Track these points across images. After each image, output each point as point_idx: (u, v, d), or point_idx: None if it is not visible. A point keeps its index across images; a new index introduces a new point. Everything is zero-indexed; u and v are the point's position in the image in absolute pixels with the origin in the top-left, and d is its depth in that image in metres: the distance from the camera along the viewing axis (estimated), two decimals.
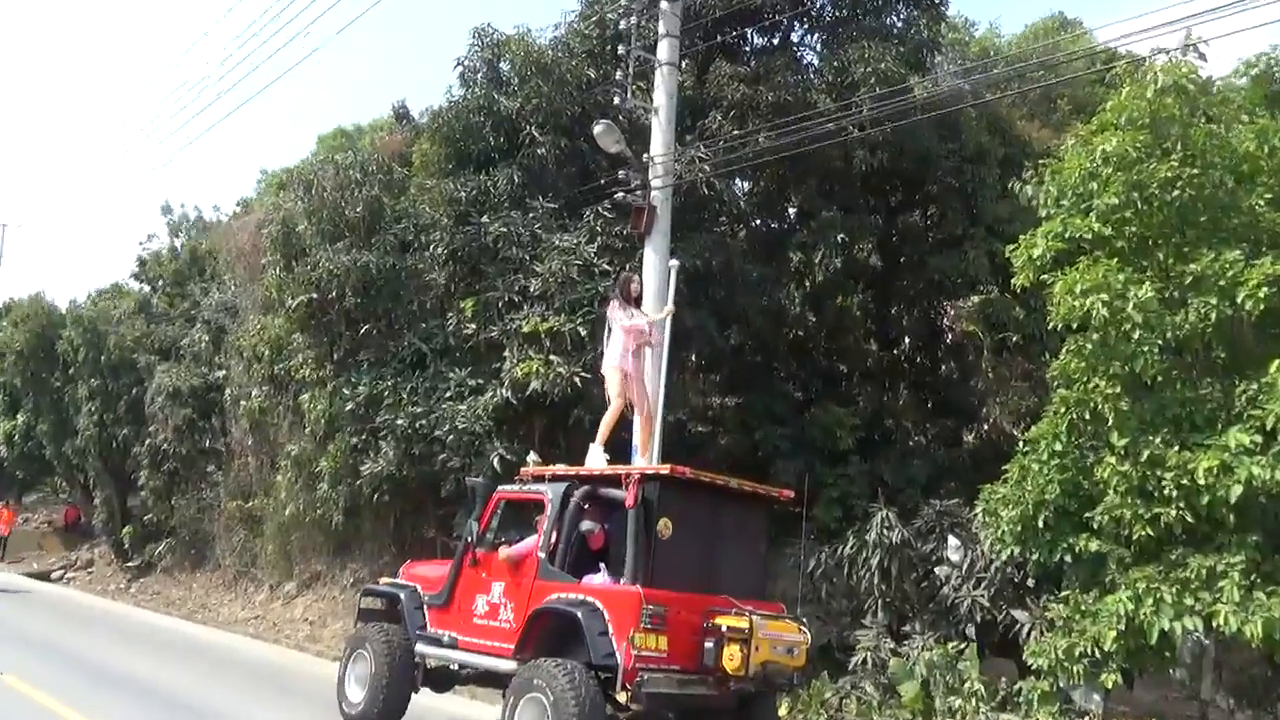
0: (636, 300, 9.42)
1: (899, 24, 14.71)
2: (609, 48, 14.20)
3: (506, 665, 7.56)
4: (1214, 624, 8.19)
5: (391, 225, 14.66)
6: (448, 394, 13.28)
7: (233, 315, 19.93)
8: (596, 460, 8.58)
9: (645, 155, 11.85)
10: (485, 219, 13.82)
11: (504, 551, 8.13)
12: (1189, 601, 8.25)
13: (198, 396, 20.18)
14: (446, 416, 13.00)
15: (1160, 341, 8.81)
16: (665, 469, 7.56)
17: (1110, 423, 8.95)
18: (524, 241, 13.52)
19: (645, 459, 9.28)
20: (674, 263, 10.39)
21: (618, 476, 7.75)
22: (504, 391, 12.80)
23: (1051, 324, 9.54)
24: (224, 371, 19.61)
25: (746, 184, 16.76)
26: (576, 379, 12.28)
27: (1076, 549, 9.14)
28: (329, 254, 14.10)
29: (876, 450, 14.98)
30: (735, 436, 15.34)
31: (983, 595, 10.89)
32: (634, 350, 9.05)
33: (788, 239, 16.19)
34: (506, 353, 13.05)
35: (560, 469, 8.58)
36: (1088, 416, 9.19)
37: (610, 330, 9.22)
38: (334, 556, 17.38)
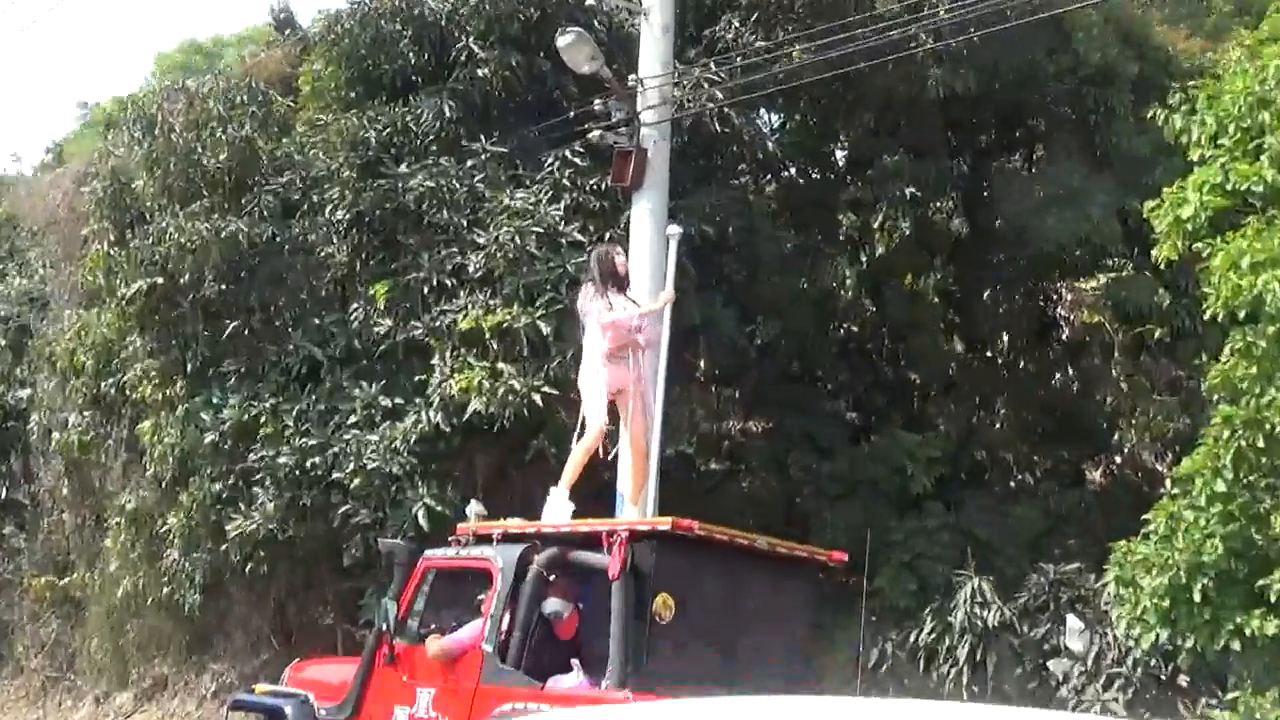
0: (621, 283, 9.46)
1: None
2: None
3: None
4: None
5: (270, 179, 14.72)
6: (351, 419, 13.36)
7: (40, 310, 19.75)
8: (561, 512, 8.60)
9: (632, 78, 11.95)
10: (404, 169, 13.92)
11: (434, 644, 8.17)
12: None
13: None
14: (350, 452, 13.10)
15: None
16: (665, 523, 7.62)
17: None
18: (460, 201, 13.59)
19: (636, 509, 9.32)
20: (674, 229, 10.49)
21: (597, 535, 7.80)
22: (432, 415, 12.88)
23: (1209, 312, 9.64)
24: (27, 391, 19.42)
25: (776, 118, 16.94)
26: (536, 396, 12.36)
27: (1248, 632, 9.25)
28: (179, 221, 14.14)
29: (964, 494, 14.98)
30: (764, 476, 15.63)
31: (1116, 699, 11.03)
32: (617, 354, 9.10)
33: (835, 195, 16.37)
34: (436, 359, 13.12)
35: (514, 525, 8.62)
36: (1261, 443, 9.27)
37: (584, 326, 9.26)
38: (188, 654, 17.37)
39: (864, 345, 17.11)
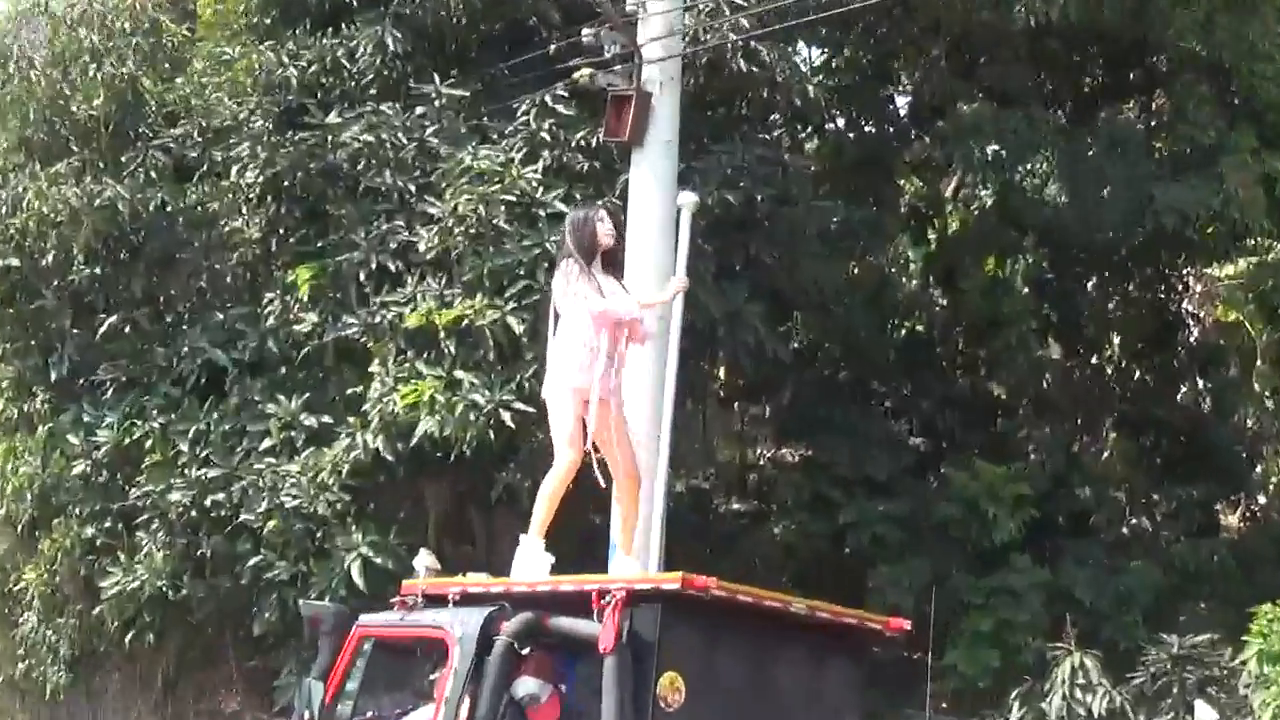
0: (612, 260, 9.33)
1: None
2: None
3: None
4: None
5: (159, 131, 14.73)
6: (265, 443, 13.41)
7: None
8: (536, 566, 8.45)
9: (632, 1, 11.88)
10: (334, 118, 13.92)
11: None
12: None
13: None
14: (263, 486, 13.13)
15: None
16: (672, 580, 7.47)
17: None
18: (407, 160, 13.63)
19: (634, 560, 9.24)
20: (687, 198, 10.28)
21: (585, 595, 7.71)
22: (370, 438, 12.87)
23: None
24: None
25: (818, 54, 16.87)
26: (505, 414, 12.34)
27: None
28: (41, 184, 14.07)
29: (1061, 543, 15.17)
30: (802, 519, 15.55)
31: None
32: (607, 357, 8.99)
33: (895, 154, 16.28)
34: (375, 366, 13.13)
35: (476, 582, 8.53)
36: None
37: (556, 317, 9.10)
38: None
39: (932, 349, 17.10)
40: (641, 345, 9.22)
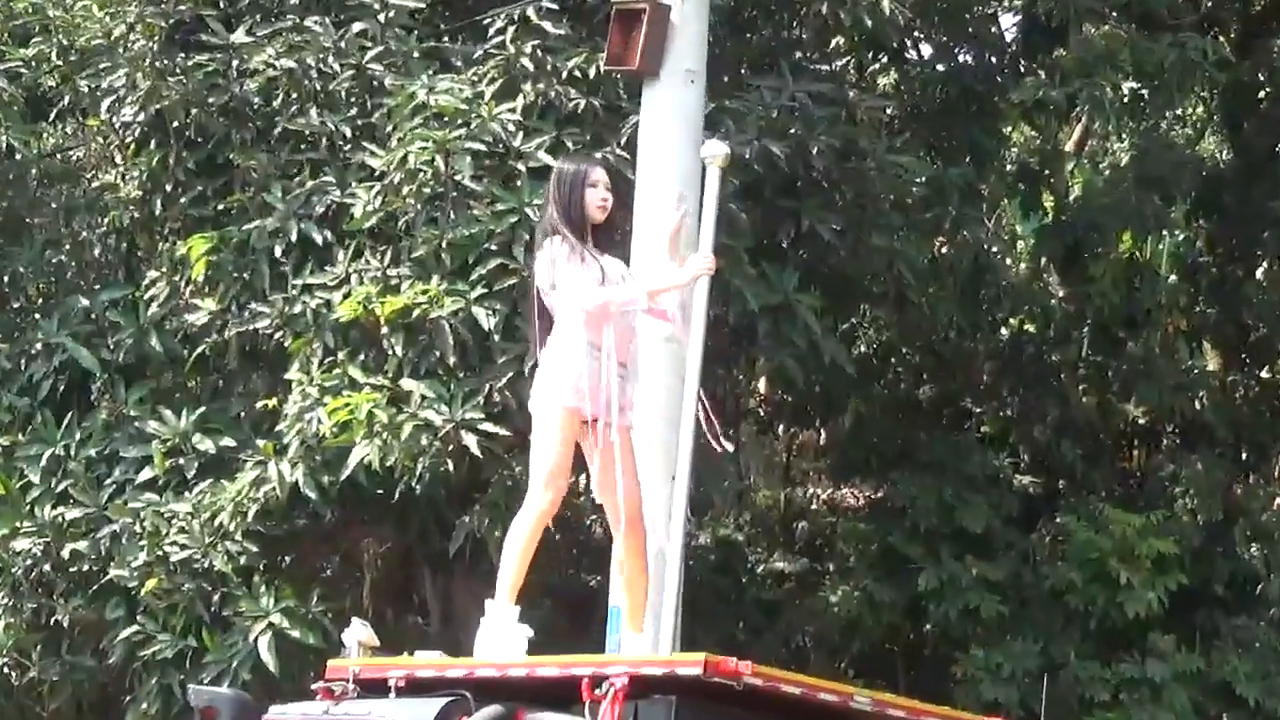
0: (608, 236, 9.31)
1: None
2: None
3: None
4: None
5: (7, 53, 14.73)
6: (144, 474, 13.46)
7: None
8: (508, 641, 8.43)
9: None
10: (241, 36, 13.98)
11: None
12: None
13: None
14: (141, 531, 13.15)
15: None
16: (693, 662, 7.48)
17: None
18: (339, 94, 13.72)
19: (642, 637, 9.26)
20: (715, 149, 10.01)
21: (573, 681, 7.77)
22: (285, 469, 12.93)
23: None
24: None
25: None
26: (470, 437, 12.42)
27: None
28: None
29: (1217, 620, 15.14)
30: (867, 582, 15.51)
31: None
32: (620, 365, 8.99)
33: (999, 90, 16.23)
34: (295, 372, 13.20)
35: (427, 663, 8.59)
36: None
37: (541, 313, 9.01)
38: None
39: (1046, 356, 17.06)
40: (671, 323, 9.22)
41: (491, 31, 13.47)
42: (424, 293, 12.60)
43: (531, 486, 8.75)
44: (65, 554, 13.27)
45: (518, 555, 8.77)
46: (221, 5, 14.27)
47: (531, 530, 8.76)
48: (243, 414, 13.69)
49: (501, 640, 8.56)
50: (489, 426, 12.29)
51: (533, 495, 8.75)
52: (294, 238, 13.35)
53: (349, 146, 13.53)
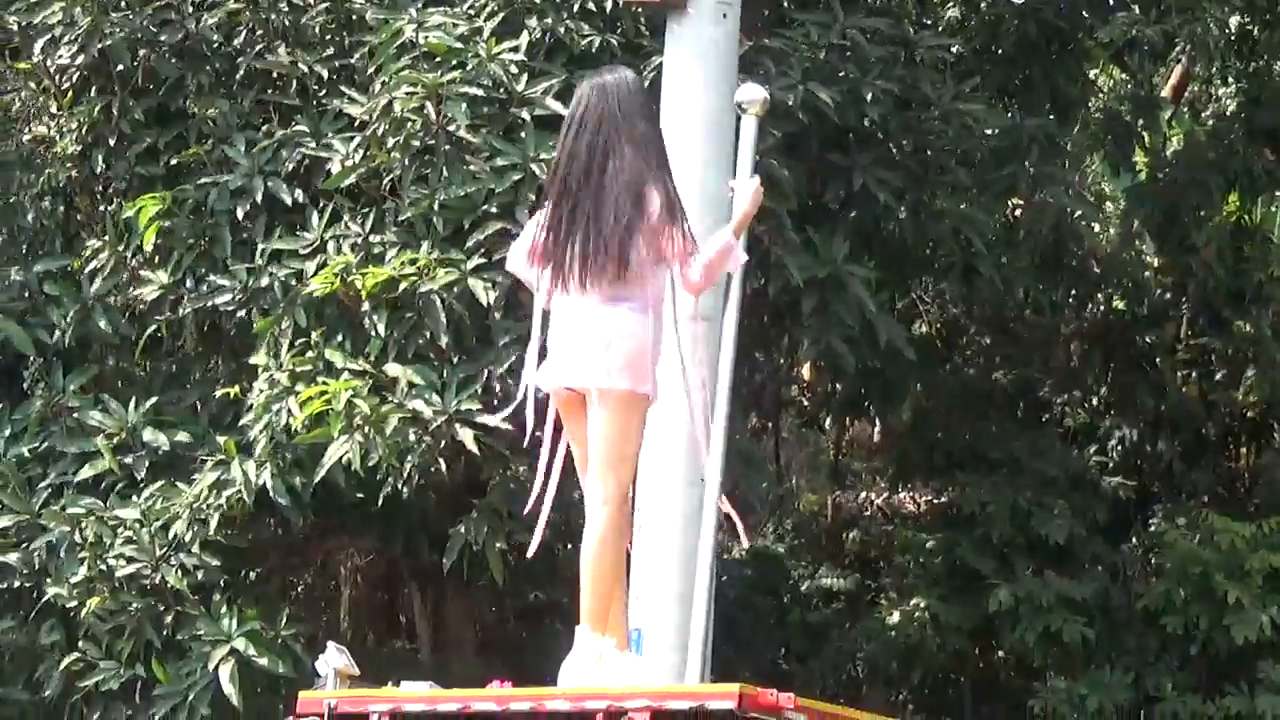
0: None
1: None
2: None
3: None
4: None
5: None
6: (85, 472, 13.43)
7: None
8: (586, 659, 8.35)
9: None
10: None
11: None
12: None
13: None
14: (81, 540, 13.10)
15: None
16: (728, 694, 7.37)
17: None
18: (312, 30, 13.65)
19: (603, 640, 9.14)
20: (752, 93, 9.98)
21: (587, 717, 7.73)
22: (250, 469, 12.79)
23: None
24: None
25: None
26: (465, 433, 12.25)
27: None
28: None
29: None
30: (932, 601, 15.53)
31: None
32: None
33: (1085, 30, 16.07)
34: (261, 355, 12.99)
35: (415, 695, 8.50)
36: None
37: (622, 265, 8.90)
38: None
39: (1140, 338, 16.91)
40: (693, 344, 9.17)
41: None
42: (412, 262, 12.43)
43: (618, 482, 8.65)
44: None
45: (607, 568, 8.71)
46: None
47: (616, 543, 8.70)
48: (200, 405, 13.43)
49: (596, 662, 8.49)
50: (488, 419, 11.83)
51: (611, 499, 8.67)
52: (259, 198, 13.19)
53: (324, 91, 13.29)
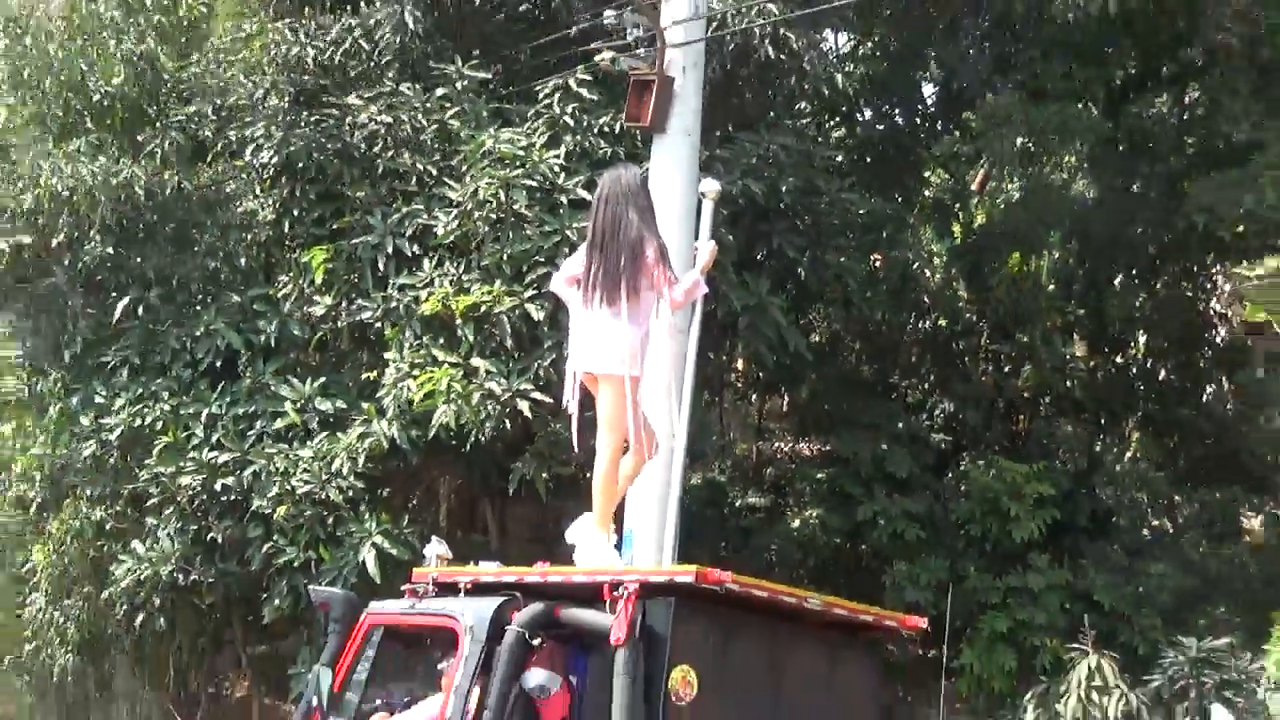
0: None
1: None
2: None
3: None
4: None
5: (176, 110, 14.83)
6: (277, 427, 13.50)
7: None
8: (593, 547, 8.48)
9: None
10: (352, 99, 14.09)
11: None
12: None
13: None
14: (275, 471, 13.18)
15: None
16: (686, 573, 7.51)
17: None
18: (426, 143, 13.73)
19: (610, 537, 9.25)
20: (709, 185, 10.34)
21: (596, 587, 7.76)
22: (385, 426, 13.00)
23: None
24: None
25: (846, 40, 16.82)
26: (523, 403, 12.44)
27: None
28: (56, 161, 14.12)
29: (1082, 544, 15.11)
30: (820, 514, 15.63)
31: None
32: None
33: (923, 145, 16.26)
34: (391, 352, 13.23)
35: (488, 571, 8.59)
36: None
37: (632, 309, 8.98)
38: None
39: (955, 345, 17.14)
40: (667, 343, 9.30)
41: (542, 96, 13.48)
42: (489, 293, 12.69)
43: (606, 437, 8.73)
44: (218, 487, 13.28)
45: (618, 479, 8.81)
46: (336, 75, 14.29)
47: (612, 474, 8.80)
48: (351, 384, 13.73)
49: (591, 547, 8.63)
50: (537, 395, 12.31)
51: (609, 444, 8.76)
52: (390, 250, 13.43)
53: (433, 182, 13.56)
